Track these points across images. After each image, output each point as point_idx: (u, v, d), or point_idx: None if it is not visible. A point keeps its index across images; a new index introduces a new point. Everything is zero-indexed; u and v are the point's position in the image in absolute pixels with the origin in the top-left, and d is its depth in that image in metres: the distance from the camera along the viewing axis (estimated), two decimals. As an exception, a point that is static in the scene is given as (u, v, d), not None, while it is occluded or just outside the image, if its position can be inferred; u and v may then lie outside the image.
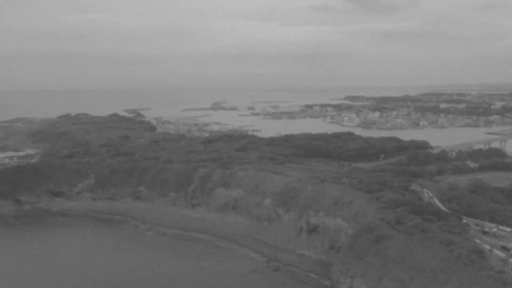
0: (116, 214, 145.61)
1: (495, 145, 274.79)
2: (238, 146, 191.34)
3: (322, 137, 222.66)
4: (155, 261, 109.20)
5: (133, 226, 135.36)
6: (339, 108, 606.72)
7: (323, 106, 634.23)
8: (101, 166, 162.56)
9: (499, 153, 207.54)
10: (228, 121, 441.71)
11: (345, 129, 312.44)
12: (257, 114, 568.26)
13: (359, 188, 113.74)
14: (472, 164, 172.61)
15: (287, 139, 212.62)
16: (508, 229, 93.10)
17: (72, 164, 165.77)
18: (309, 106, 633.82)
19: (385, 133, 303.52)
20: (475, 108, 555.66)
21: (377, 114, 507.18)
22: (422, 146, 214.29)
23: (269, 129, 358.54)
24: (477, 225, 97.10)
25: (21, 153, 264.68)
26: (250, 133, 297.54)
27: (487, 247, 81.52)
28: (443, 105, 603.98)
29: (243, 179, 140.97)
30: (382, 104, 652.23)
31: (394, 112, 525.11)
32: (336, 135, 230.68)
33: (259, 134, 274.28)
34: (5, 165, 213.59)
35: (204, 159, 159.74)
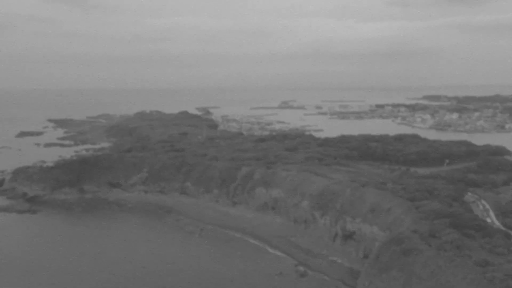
0: (163, 207, 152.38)
1: None
2: (289, 145, 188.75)
3: (382, 138, 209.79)
4: (189, 253, 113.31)
5: (176, 219, 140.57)
6: (413, 108, 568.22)
7: (395, 106, 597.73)
8: (153, 160, 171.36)
9: None
10: (291, 120, 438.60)
11: (415, 131, 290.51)
12: (324, 114, 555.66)
13: (400, 195, 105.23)
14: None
15: (342, 140, 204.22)
16: None
17: (129, 158, 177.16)
18: (380, 106, 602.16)
19: (462, 137, 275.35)
20: None
21: (455, 115, 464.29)
22: (498, 151, 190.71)
23: (332, 129, 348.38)
24: None
25: (96, 146, 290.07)
26: (309, 133, 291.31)
27: (536, 272, 69.92)
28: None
29: (285, 179, 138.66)
30: (463, 105, 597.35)
31: (476, 113, 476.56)
32: (399, 137, 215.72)
33: (321, 134, 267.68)
34: (79, 156, 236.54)
35: (249, 158, 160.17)
